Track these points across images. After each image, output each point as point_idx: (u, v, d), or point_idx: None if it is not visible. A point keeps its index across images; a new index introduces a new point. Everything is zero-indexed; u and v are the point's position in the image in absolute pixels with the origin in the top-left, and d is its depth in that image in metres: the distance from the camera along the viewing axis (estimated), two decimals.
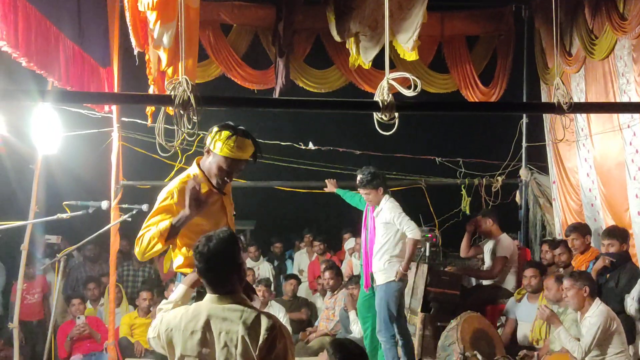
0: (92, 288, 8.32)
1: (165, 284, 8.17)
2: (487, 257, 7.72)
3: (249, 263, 9.22)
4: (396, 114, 4.00)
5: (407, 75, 3.94)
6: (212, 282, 3.14)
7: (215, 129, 3.81)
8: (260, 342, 2.98)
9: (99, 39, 6.46)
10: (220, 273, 3.13)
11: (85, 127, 7.43)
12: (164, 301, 3.47)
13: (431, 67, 9.41)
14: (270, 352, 2.98)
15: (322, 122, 9.65)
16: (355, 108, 4.94)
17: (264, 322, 3.02)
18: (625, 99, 6.90)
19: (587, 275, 5.94)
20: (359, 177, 6.60)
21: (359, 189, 6.70)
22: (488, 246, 7.71)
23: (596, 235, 7.27)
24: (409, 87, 4.00)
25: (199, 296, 3.38)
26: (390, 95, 3.97)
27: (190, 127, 3.87)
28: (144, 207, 5.78)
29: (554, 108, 4.44)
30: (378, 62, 8.07)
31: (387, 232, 6.52)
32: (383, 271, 6.50)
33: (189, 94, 3.82)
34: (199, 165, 3.95)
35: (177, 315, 3.16)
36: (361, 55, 8.16)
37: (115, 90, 6.91)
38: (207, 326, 3.07)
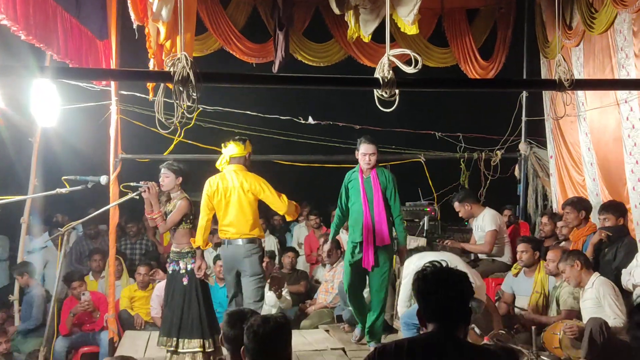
0: (97, 259, 8.37)
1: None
2: (476, 234, 7.75)
3: None
4: (396, 91, 3.98)
5: (408, 51, 3.92)
6: None
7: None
8: None
9: (96, 12, 6.42)
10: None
11: (83, 100, 7.40)
12: None
13: (430, 41, 9.30)
14: None
15: (321, 95, 9.57)
16: (355, 85, 4.92)
17: None
18: (623, 74, 6.85)
19: (575, 251, 6.09)
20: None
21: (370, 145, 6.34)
22: (476, 223, 7.74)
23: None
24: (409, 62, 3.97)
25: None
26: (390, 71, 3.94)
27: (190, 103, 3.85)
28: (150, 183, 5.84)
29: (555, 85, 4.42)
30: (377, 36, 7.99)
31: None
32: None
33: (188, 71, 3.80)
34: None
35: None
36: (361, 29, 8.08)
37: (113, 63, 6.87)
38: None
